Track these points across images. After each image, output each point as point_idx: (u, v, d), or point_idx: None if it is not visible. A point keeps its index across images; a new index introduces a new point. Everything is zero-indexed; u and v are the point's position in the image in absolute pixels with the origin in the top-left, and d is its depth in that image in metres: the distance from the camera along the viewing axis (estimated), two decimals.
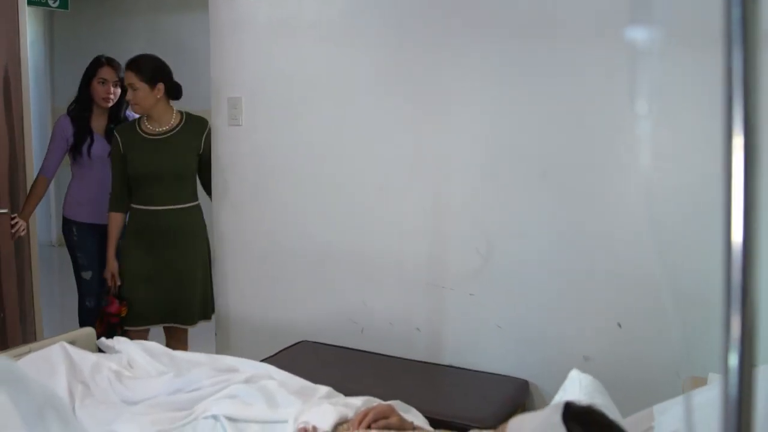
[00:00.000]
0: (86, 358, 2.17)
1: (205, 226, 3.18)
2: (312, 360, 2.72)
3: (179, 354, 2.33)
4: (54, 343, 2.23)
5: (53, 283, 5.67)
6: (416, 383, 2.51)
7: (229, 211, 3.10)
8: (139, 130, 3.06)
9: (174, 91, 3.07)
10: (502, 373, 2.56)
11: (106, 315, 3.03)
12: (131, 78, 2.97)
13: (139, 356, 2.27)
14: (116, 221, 3.11)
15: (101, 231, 3.22)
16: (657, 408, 1.73)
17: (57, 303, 4.90)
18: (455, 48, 2.57)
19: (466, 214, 2.60)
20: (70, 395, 2.01)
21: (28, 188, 3.29)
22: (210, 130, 3.11)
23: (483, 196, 2.58)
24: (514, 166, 2.52)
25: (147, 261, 3.04)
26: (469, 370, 2.61)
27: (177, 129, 3.06)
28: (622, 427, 1.19)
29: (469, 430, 1.70)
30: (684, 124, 2.18)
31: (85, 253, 3.34)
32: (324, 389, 2.01)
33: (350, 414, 1.78)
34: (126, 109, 3.37)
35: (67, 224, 3.39)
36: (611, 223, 2.36)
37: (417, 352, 2.73)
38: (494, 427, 1.44)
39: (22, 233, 3.21)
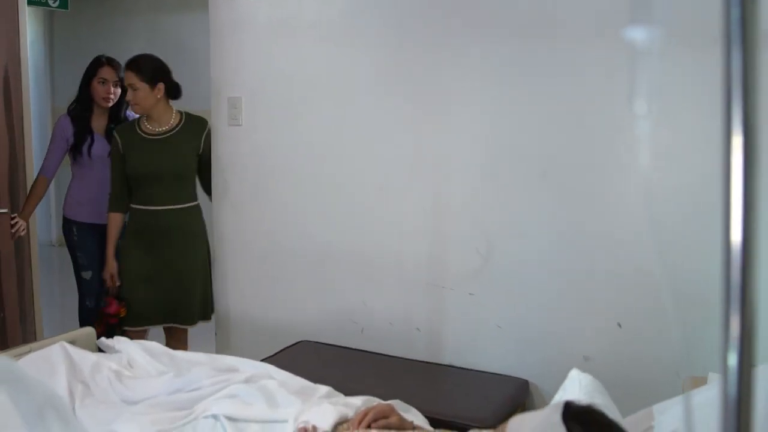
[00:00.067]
0: (86, 358, 2.17)
1: (204, 226, 3.18)
2: (312, 360, 2.72)
3: (179, 354, 2.33)
4: (54, 342, 2.23)
5: (53, 283, 5.67)
6: (416, 383, 2.51)
7: (229, 211, 3.10)
8: (139, 130, 3.06)
9: (174, 91, 3.07)
10: (502, 373, 2.56)
11: (105, 316, 3.02)
12: (131, 78, 2.97)
13: (139, 356, 2.28)
14: (116, 221, 3.11)
15: (101, 231, 3.22)
16: (657, 408, 1.73)
17: (57, 303, 4.90)
18: (455, 48, 2.57)
19: (466, 214, 2.61)
20: (70, 395, 2.01)
21: (28, 188, 3.28)
22: (210, 130, 3.11)
23: (483, 196, 2.58)
24: (514, 166, 2.52)
25: (147, 261, 3.04)
26: (469, 369, 2.61)
27: (177, 129, 3.06)
28: (621, 426, 1.19)
29: (469, 429, 1.70)
30: (684, 124, 2.18)
31: (85, 253, 3.34)
32: (324, 389, 2.01)
33: (350, 414, 1.78)
34: (126, 109, 3.36)
35: (68, 224, 3.39)
36: (611, 223, 2.37)
37: (417, 351, 2.73)
38: (494, 426, 1.44)
39: (22, 233, 3.21)
